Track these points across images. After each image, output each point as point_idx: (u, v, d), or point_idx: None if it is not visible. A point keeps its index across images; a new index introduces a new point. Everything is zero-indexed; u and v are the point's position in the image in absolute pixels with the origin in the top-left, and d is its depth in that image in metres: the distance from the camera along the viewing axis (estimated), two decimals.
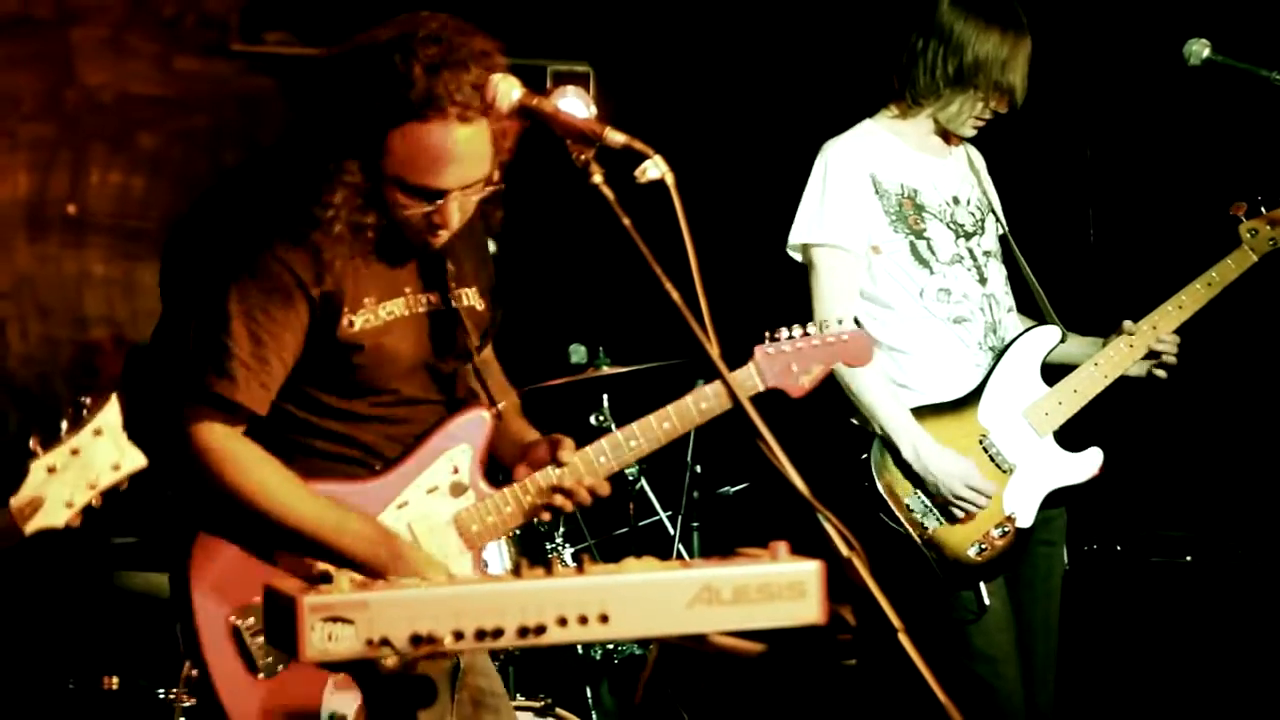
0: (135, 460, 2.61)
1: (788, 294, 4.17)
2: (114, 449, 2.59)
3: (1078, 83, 5.03)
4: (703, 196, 5.28)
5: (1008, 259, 4.27)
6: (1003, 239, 4.28)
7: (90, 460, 2.56)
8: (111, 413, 2.58)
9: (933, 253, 4.10)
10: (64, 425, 2.56)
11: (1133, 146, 5.44)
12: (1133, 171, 5.46)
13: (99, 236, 5.92)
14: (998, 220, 4.29)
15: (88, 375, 5.84)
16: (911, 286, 4.09)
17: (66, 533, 2.58)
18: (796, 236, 4.13)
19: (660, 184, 2.75)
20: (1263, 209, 4.21)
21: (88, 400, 2.57)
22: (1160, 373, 4.22)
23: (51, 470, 2.54)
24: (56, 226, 5.86)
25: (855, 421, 4.07)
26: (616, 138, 2.82)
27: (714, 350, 2.54)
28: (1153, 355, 4.18)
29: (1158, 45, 4.28)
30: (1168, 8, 5.18)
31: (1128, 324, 4.17)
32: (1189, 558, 5.23)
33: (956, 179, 4.23)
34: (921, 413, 4.04)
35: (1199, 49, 4.14)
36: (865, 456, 4.02)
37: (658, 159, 2.80)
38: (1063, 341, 4.20)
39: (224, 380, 2.97)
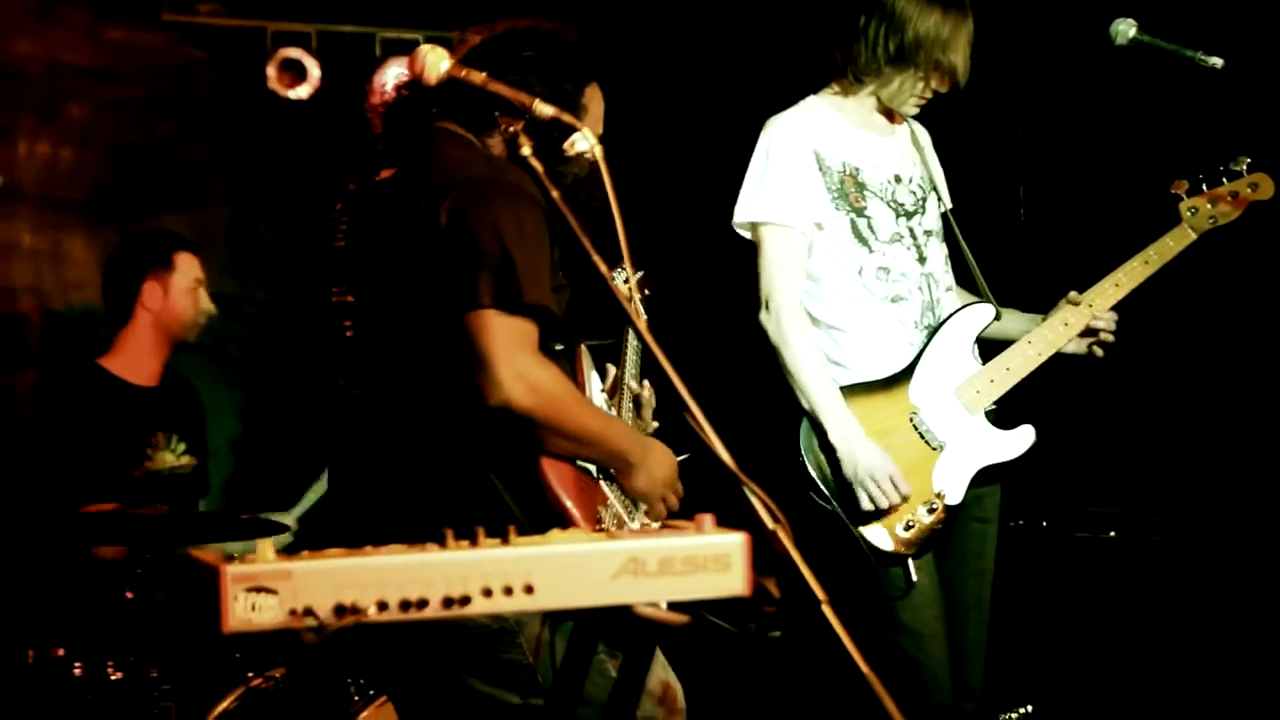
0: None
1: (734, 270, 4.18)
2: None
3: (1007, 60, 5.04)
4: (646, 173, 5.31)
5: (949, 237, 4.29)
6: (944, 217, 4.30)
7: None
8: None
9: (872, 231, 4.11)
10: None
11: (1064, 124, 5.47)
12: (1064, 149, 5.48)
13: (27, 207, 5.86)
14: (940, 198, 4.30)
15: (14, 347, 5.78)
16: (850, 264, 4.10)
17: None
18: (742, 214, 4.13)
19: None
20: (1204, 187, 4.23)
21: None
22: (1099, 350, 4.25)
23: None
24: None
25: (795, 396, 4.08)
26: (545, 110, 2.82)
27: (641, 323, 2.55)
28: (1090, 333, 4.21)
29: (1088, 23, 4.29)
30: None
31: (1073, 294, 4.20)
32: (1113, 533, 5.27)
33: (898, 157, 4.24)
34: (853, 391, 4.05)
35: (1125, 28, 4.16)
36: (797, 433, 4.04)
37: (586, 131, 2.82)
38: (997, 319, 4.22)
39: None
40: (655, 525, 3.28)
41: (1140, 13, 4.17)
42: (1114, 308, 4.22)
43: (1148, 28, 4.14)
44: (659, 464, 3.22)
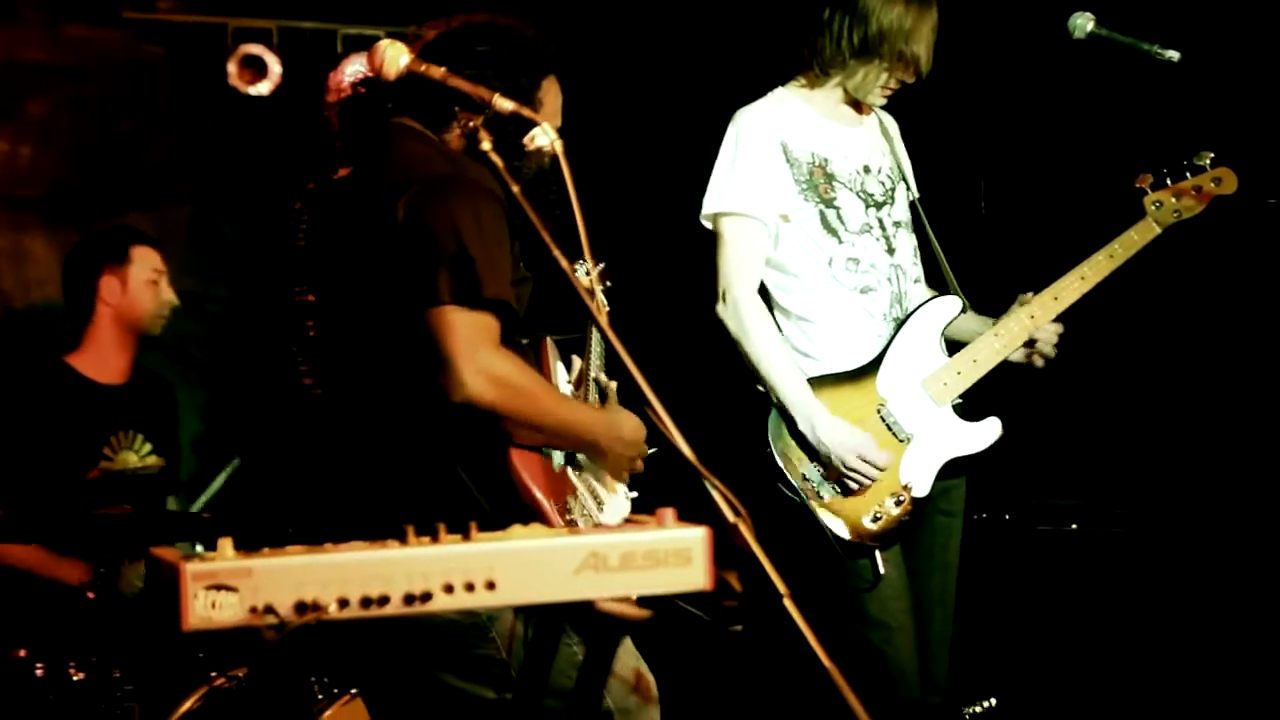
0: None
1: (702, 262, 4.18)
2: None
3: (968, 54, 5.06)
4: (615, 166, 5.30)
5: (917, 228, 4.30)
6: (913, 207, 4.31)
7: None
8: None
9: (842, 222, 4.11)
10: None
11: (1025, 118, 5.48)
12: (1025, 143, 5.50)
13: None
14: (909, 188, 4.31)
15: None
16: (820, 255, 4.10)
17: None
18: (709, 206, 4.14)
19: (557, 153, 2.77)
20: (1168, 181, 4.24)
21: None
22: (1038, 361, 4.24)
23: None
24: None
25: (761, 389, 4.08)
26: (505, 104, 2.82)
27: (601, 315, 2.55)
28: (1030, 343, 4.22)
29: (1048, 16, 4.30)
30: None
31: (1025, 296, 4.21)
32: (1074, 525, 5.29)
33: (867, 148, 4.24)
34: (821, 382, 4.06)
35: (1083, 22, 4.17)
36: (764, 424, 4.05)
37: (546, 126, 2.81)
38: (964, 312, 4.23)
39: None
40: (625, 498, 3.30)
41: (1099, 6, 4.18)
42: (1078, 302, 4.22)
43: (1106, 21, 4.15)
44: (628, 431, 3.24)
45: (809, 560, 4.00)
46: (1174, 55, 4.07)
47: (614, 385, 3.64)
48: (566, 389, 3.51)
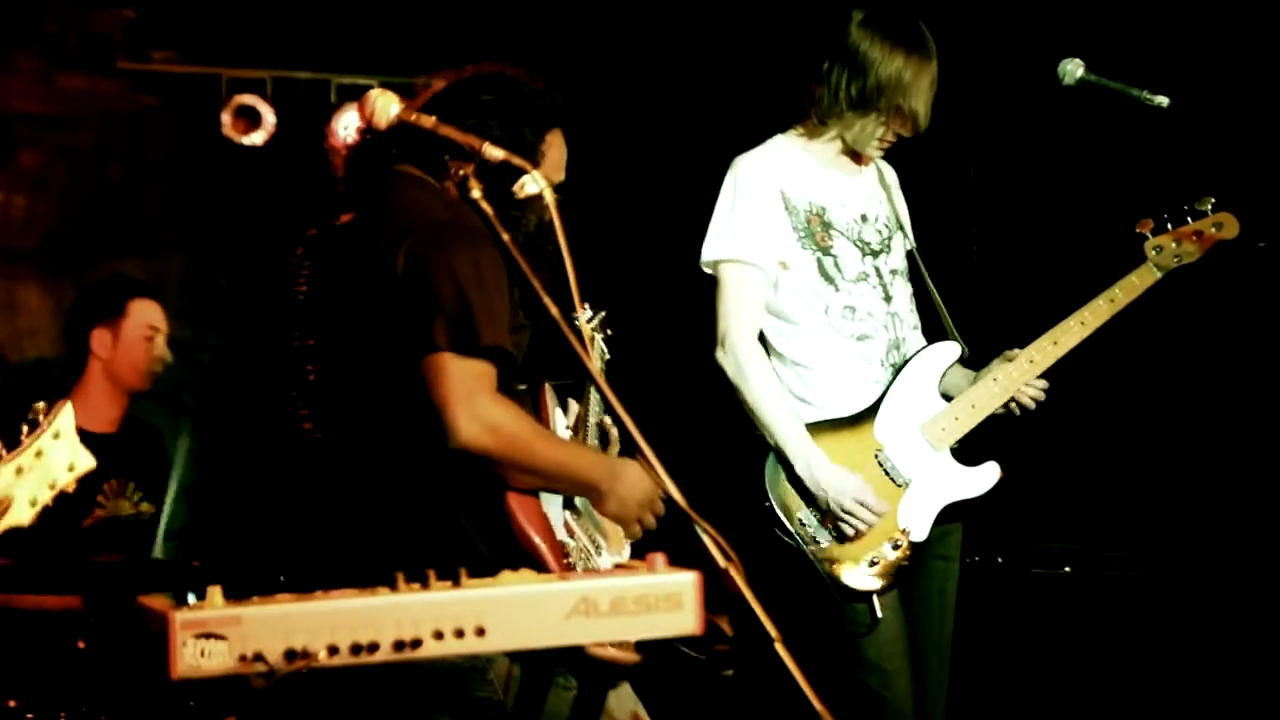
0: (86, 462, 2.71)
1: (703, 308, 4.18)
2: (69, 451, 2.68)
3: (959, 101, 5.08)
4: (616, 213, 5.31)
5: (914, 276, 4.31)
6: (910, 256, 4.31)
7: (51, 462, 2.65)
8: (66, 417, 2.67)
9: (839, 270, 4.12)
10: (24, 429, 2.62)
11: (1016, 165, 5.50)
12: (1018, 190, 5.52)
13: None
14: (906, 237, 4.32)
15: None
16: (817, 303, 4.10)
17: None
18: (709, 253, 4.14)
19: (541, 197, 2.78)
20: (1169, 226, 4.25)
21: (41, 405, 2.65)
22: (1015, 409, 4.24)
23: (19, 471, 2.60)
24: None
25: (759, 435, 4.07)
26: (495, 153, 2.83)
27: (593, 365, 2.56)
28: (1011, 400, 4.22)
29: (1039, 64, 4.32)
30: (1048, 26, 5.25)
31: (1010, 352, 4.21)
32: (1068, 569, 5.29)
33: (865, 197, 4.25)
34: (819, 428, 4.05)
35: (1073, 69, 4.18)
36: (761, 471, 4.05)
37: (535, 174, 2.83)
38: (963, 359, 4.23)
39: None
40: (628, 549, 3.29)
41: (1089, 53, 4.20)
42: (1077, 347, 4.22)
43: (1095, 67, 4.17)
44: (631, 484, 3.20)
45: (807, 605, 3.99)
46: (1163, 101, 4.08)
47: (615, 431, 3.64)
48: (565, 434, 3.51)
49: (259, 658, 1.97)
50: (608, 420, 3.68)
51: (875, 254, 4.19)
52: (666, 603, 2.18)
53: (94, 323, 4.99)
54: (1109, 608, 5.19)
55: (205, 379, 6.09)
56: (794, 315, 4.12)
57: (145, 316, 5.04)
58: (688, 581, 2.20)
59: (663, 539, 2.37)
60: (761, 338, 4.15)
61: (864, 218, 4.21)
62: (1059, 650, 5.20)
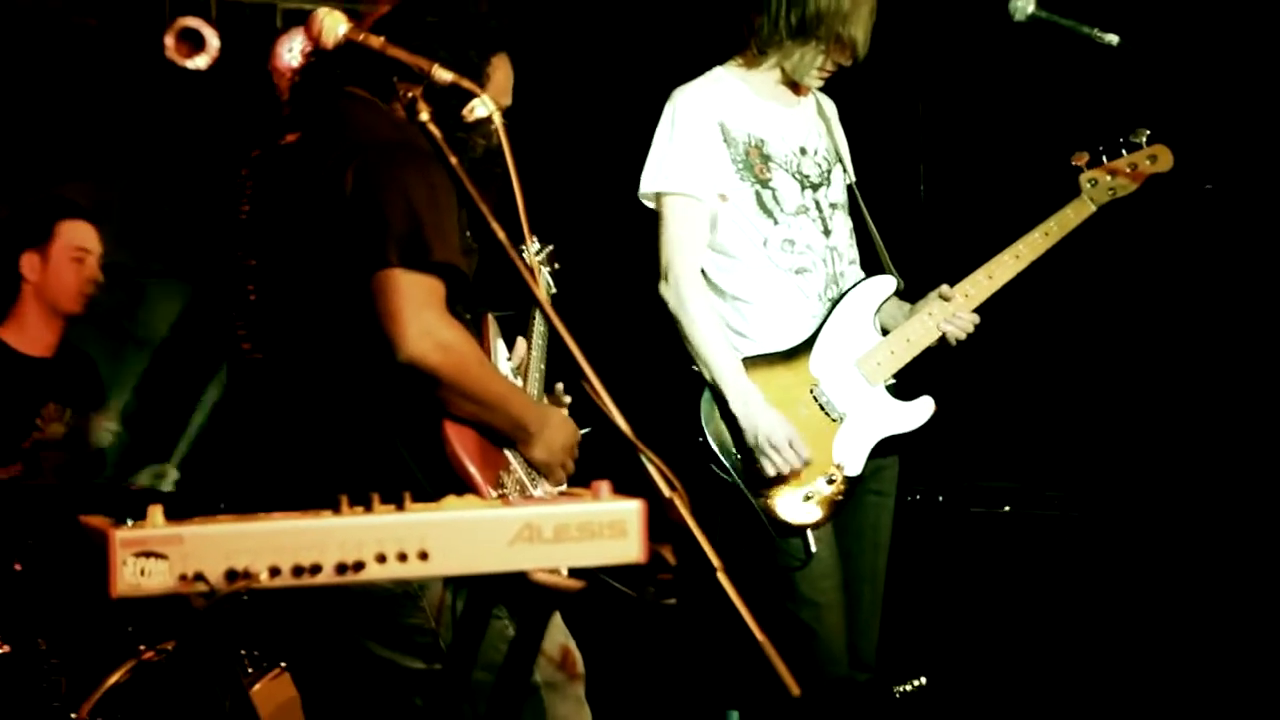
0: None
1: (640, 240, 4.17)
2: None
3: (908, 36, 5.07)
4: (554, 145, 5.27)
5: (853, 210, 4.31)
6: (849, 190, 4.32)
7: None
8: None
9: (777, 203, 4.12)
10: None
11: (964, 100, 5.50)
12: (964, 125, 5.52)
13: None
14: (846, 171, 4.32)
15: None
16: (755, 236, 4.10)
17: None
18: (647, 184, 4.14)
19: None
20: (1104, 159, 4.27)
21: None
22: (952, 342, 4.24)
23: None
24: None
25: (695, 369, 4.08)
26: (444, 75, 2.80)
27: (540, 292, 2.54)
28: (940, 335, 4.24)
29: None
30: None
31: (943, 288, 4.22)
32: (1007, 508, 5.33)
33: (804, 129, 4.25)
34: (755, 362, 4.07)
35: (1023, 4, 4.18)
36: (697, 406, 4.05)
37: (485, 97, 2.80)
38: (898, 292, 4.24)
39: None
40: (556, 492, 3.28)
41: None
42: (1014, 279, 4.24)
43: (1045, 4, 4.17)
44: (557, 431, 3.21)
45: (741, 540, 4.00)
46: (1114, 39, 4.10)
47: (561, 388, 3.62)
48: (506, 367, 3.50)
49: (200, 577, 1.95)
50: (559, 388, 3.66)
51: (814, 187, 4.19)
52: (611, 530, 2.18)
53: (23, 247, 4.94)
54: (1048, 548, 5.24)
55: (146, 303, 6.04)
56: (732, 249, 4.12)
57: (74, 238, 4.98)
58: (632, 509, 2.20)
59: (607, 469, 2.36)
60: (701, 272, 4.15)
61: (803, 150, 4.21)
62: (997, 591, 5.25)
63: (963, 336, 4.22)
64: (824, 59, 4.13)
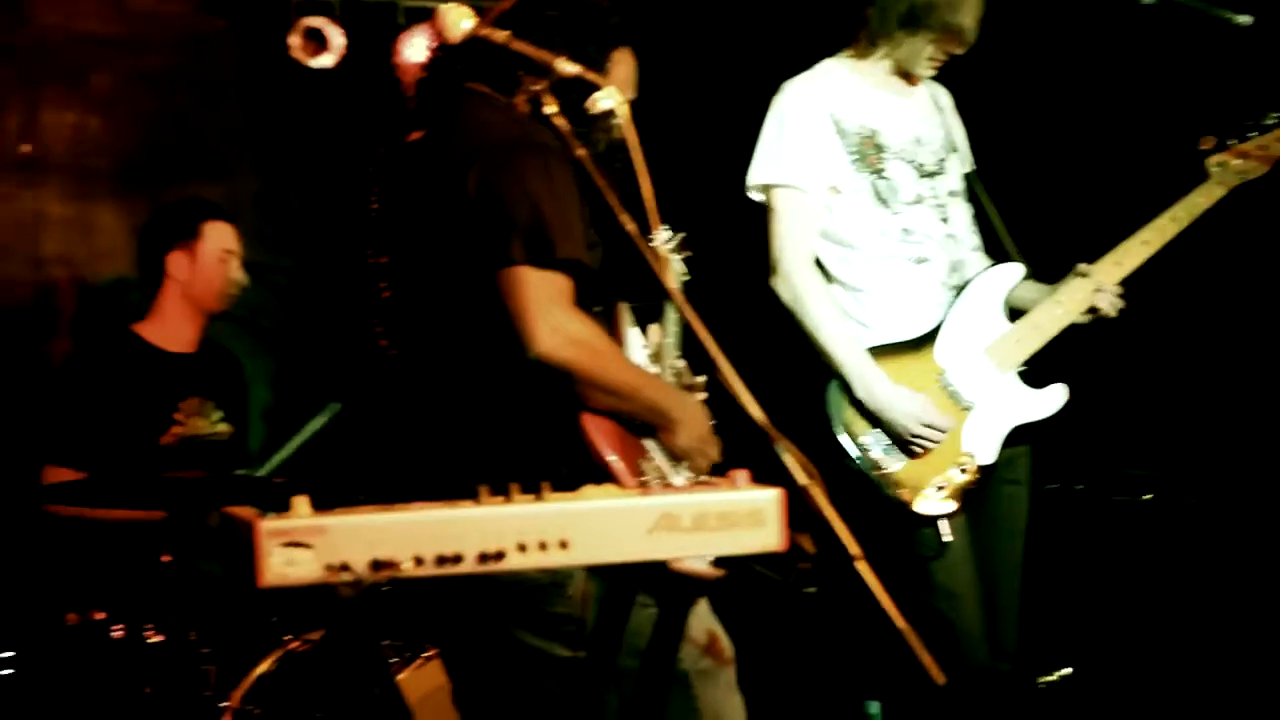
0: None
1: (750, 234, 4.17)
2: None
3: (1029, 21, 5.02)
4: (664, 136, 5.26)
5: (973, 198, 4.28)
6: (968, 178, 4.29)
7: None
8: None
9: (894, 193, 4.11)
10: None
11: (1086, 85, 5.43)
12: (1086, 109, 5.45)
13: (54, 176, 5.87)
14: (962, 159, 4.29)
15: (45, 315, 5.80)
16: (873, 227, 4.09)
17: None
18: (755, 177, 4.15)
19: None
20: (1231, 142, 4.21)
21: None
22: (1109, 314, 4.20)
23: None
24: (12, 166, 5.80)
25: (822, 360, 4.07)
26: (569, 68, 2.82)
27: (670, 282, 2.55)
28: (1092, 310, 4.19)
29: None
30: None
31: (1081, 266, 4.18)
32: (1150, 496, 5.25)
33: (918, 118, 4.24)
34: (879, 352, 4.05)
35: None
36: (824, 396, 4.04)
37: (610, 89, 2.81)
38: (1027, 279, 4.20)
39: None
40: (694, 481, 3.29)
41: None
42: (1143, 267, 4.19)
43: None
44: (697, 418, 3.22)
45: (874, 531, 3.98)
46: (1246, 20, 4.03)
47: (691, 371, 3.63)
48: (641, 355, 3.51)
49: (345, 567, 1.98)
50: (686, 371, 3.67)
51: (930, 175, 4.17)
52: (749, 519, 2.17)
53: (170, 245, 5.02)
54: (1192, 536, 5.15)
55: (280, 300, 6.12)
56: (850, 239, 4.11)
57: (220, 239, 5.06)
58: (771, 498, 2.19)
59: (744, 458, 2.36)
60: (819, 264, 4.13)
61: (918, 139, 4.20)
62: (1141, 579, 5.17)
63: (1113, 313, 4.17)
64: (934, 48, 4.12)
